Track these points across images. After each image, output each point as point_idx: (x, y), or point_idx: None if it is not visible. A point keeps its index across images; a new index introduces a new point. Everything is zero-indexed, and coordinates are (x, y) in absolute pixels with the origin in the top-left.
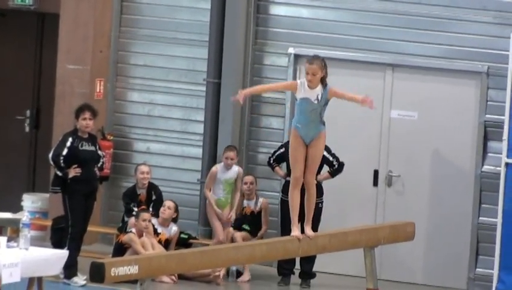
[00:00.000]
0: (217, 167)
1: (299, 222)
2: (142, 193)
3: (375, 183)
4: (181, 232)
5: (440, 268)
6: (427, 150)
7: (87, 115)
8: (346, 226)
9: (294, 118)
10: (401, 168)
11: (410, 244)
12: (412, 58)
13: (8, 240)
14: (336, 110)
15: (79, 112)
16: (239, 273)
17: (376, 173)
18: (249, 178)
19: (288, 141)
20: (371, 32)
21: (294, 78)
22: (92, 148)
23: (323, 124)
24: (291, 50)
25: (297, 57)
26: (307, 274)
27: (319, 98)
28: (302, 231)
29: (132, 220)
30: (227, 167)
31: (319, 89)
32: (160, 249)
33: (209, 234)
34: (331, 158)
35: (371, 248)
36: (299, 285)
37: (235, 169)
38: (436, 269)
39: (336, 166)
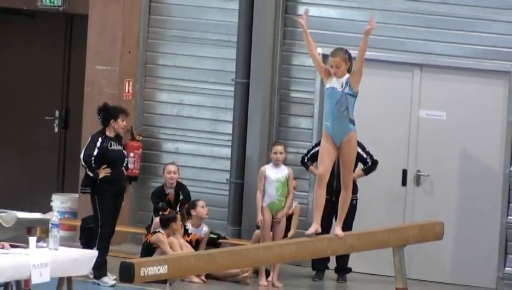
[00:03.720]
0: (265, 167)
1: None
2: (170, 192)
3: (404, 182)
4: (210, 232)
5: (469, 267)
6: (455, 149)
7: (125, 116)
8: (375, 226)
9: (325, 117)
10: (429, 167)
11: (439, 244)
12: (440, 58)
13: (38, 240)
14: (365, 110)
15: (119, 112)
16: (268, 273)
17: (405, 172)
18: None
19: None
20: (399, 32)
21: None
22: (119, 147)
23: (353, 123)
24: (319, 50)
25: (325, 57)
26: (343, 269)
27: (343, 84)
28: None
29: (157, 220)
30: (276, 164)
31: (345, 78)
32: (188, 249)
33: (238, 234)
34: (364, 155)
35: (399, 247)
36: (336, 280)
37: (285, 168)
38: (465, 268)
39: (370, 164)
